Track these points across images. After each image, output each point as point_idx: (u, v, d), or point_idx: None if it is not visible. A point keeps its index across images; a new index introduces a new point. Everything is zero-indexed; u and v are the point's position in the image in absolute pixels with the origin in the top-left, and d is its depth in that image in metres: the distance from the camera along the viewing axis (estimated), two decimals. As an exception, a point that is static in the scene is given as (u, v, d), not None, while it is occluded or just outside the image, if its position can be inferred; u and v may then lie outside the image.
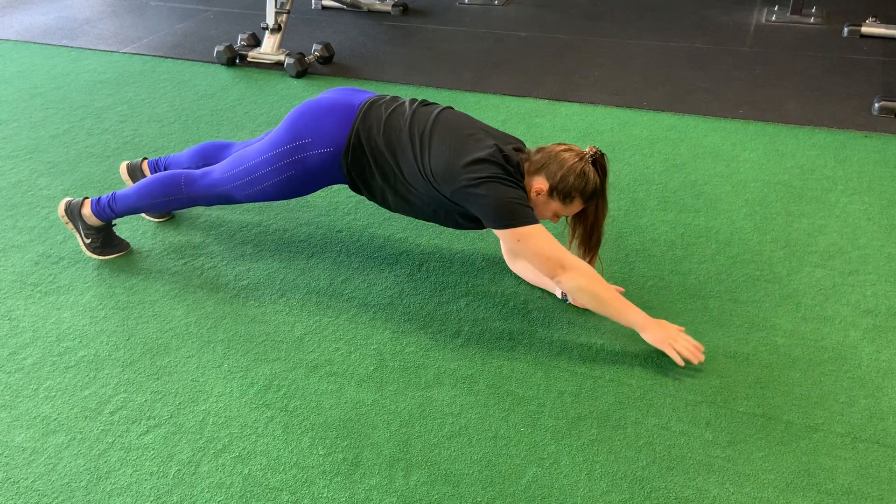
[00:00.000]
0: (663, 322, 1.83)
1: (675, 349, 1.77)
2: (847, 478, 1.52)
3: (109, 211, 2.16)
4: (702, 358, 1.78)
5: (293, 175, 1.95)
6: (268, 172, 1.96)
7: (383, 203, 2.00)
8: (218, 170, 2.06)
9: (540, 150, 1.86)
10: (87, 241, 2.21)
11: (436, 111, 1.91)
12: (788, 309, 1.98)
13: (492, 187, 1.76)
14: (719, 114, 3.06)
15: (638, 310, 1.82)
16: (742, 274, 2.12)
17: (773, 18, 4.05)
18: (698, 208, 2.43)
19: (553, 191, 1.82)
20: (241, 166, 2.00)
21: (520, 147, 1.90)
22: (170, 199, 2.11)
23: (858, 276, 2.09)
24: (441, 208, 1.91)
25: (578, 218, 1.91)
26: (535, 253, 1.78)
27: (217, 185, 2.05)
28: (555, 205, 1.84)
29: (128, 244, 2.29)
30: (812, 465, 1.55)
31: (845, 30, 3.80)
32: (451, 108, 1.98)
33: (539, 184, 1.82)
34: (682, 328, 1.83)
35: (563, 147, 1.84)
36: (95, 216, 2.17)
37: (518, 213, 1.76)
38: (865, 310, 1.97)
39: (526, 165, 1.85)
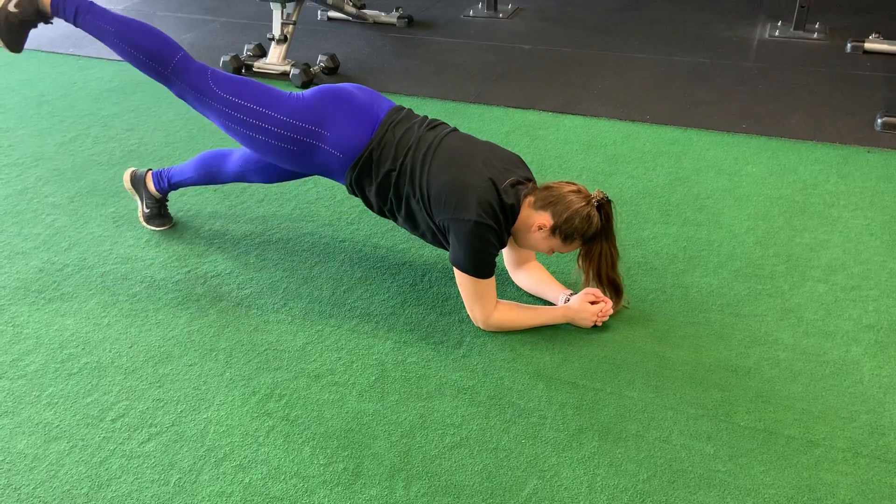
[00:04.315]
0: (578, 305, 1.95)
1: (602, 320, 1.95)
2: (848, 493, 1.52)
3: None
4: (615, 307, 1.98)
5: (294, 151, 1.93)
6: (273, 131, 1.91)
7: (379, 213, 2.01)
8: (227, 87, 1.97)
9: (547, 186, 1.87)
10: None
11: (440, 136, 1.91)
12: (790, 323, 1.98)
13: (473, 231, 1.79)
14: (722, 128, 3.07)
15: (552, 309, 1.97)
16: (744, 288, 2.12)
17: (777, 34, 4.06)
18: (700, 222, 2.43)
19: (556, 230, 1.84)
20: (252, 105, 1.92)
21: (520, 180, 1.88)
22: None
23: (860, 292, 2.09)
24: (429, 231, 1.93)
25: (588, 262, 1.92)
26: (473, 299, 1.91)
27: (221, 100, 1.95)
28: (555, 242, 1.87)
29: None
30: (813, 480, 1.55)
31: (848, 46, 3.82)
32: (457, 130, 1.99)
33: (543, 220, 1.84)
34: (588, 293, 1.96)
35: (571, 188, 1.85)
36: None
37: (482, 267, 1.85)
38: (867, 325, 1.97)
39: (530, 199, 1.86)
